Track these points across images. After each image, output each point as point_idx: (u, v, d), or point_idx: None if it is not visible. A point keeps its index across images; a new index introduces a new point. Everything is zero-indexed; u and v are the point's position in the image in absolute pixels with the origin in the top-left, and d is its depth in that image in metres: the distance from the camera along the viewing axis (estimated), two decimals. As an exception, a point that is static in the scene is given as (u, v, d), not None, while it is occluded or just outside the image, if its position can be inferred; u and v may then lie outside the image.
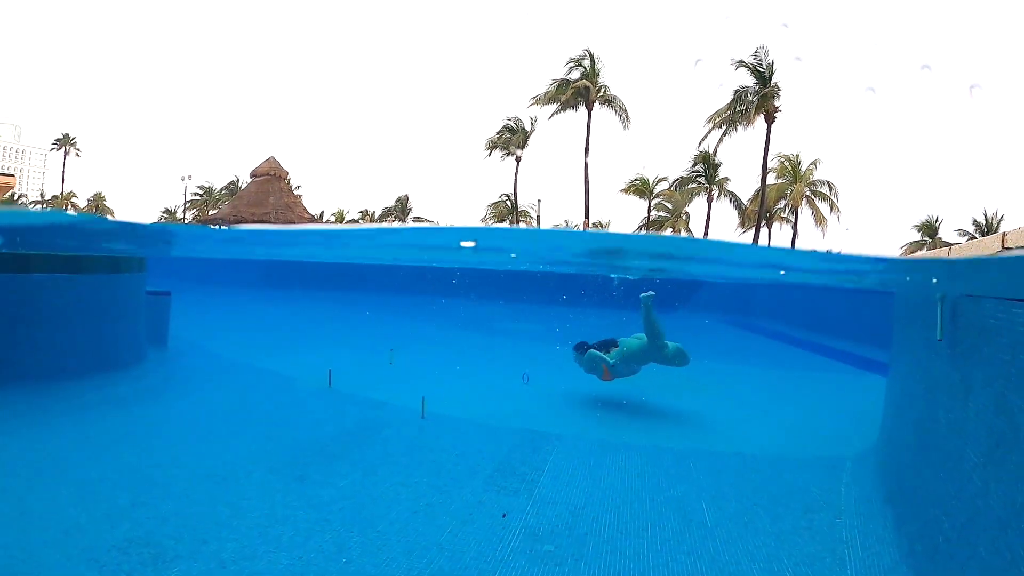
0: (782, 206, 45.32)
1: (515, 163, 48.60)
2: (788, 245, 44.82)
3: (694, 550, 4.70)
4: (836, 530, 5.09)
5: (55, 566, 4.08)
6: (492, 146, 48.72)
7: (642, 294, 9.19)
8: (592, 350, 9.42)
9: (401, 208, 58.26)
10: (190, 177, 60.31)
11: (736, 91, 40.11)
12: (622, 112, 44.43)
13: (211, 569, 4.13)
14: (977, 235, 44.40)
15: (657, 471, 6.51)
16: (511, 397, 9.77)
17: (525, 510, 5.32)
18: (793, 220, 45.04)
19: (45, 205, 61.38)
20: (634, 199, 49.27)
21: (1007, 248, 4.83)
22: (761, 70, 39.17)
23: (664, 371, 9.62)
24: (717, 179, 46.30)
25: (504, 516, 5.27)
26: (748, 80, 39.73)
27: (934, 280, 5.56)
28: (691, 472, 6.53)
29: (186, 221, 62.45)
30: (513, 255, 9.78)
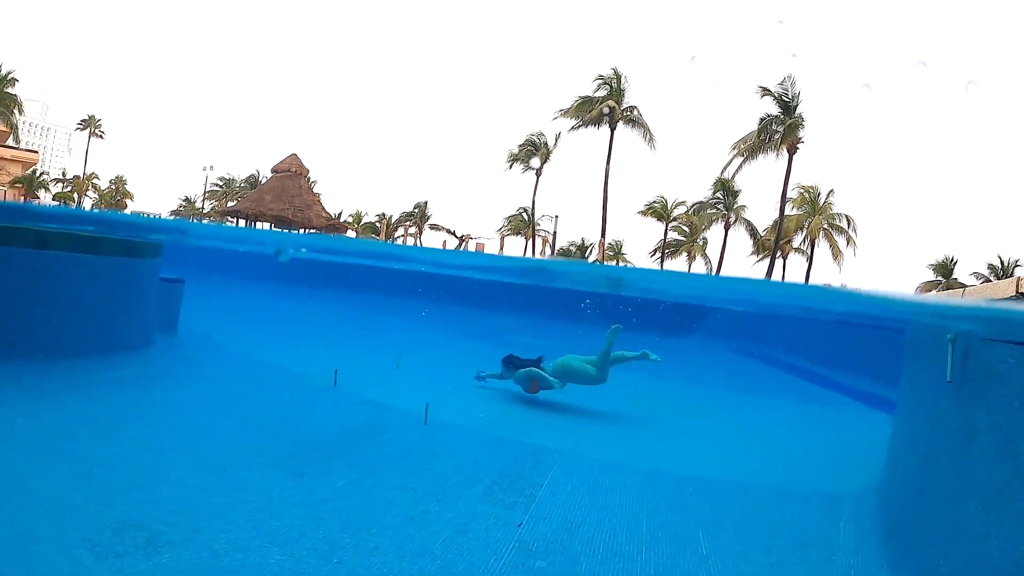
0: (800, 238, 45.18)
1: (535, 177, 48.67)
2: (803, 277, 44.71)
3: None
4: (831, 566, 5.04)
5: (48, 542, 4.09)
6: (513, 159, 48.79)
7: (612, 326, 9.78)
8: (533, 369, 9.94)
9: (420, 214, 58.34)
10: (212, 167, 60.65)
11: (762, 119, 40.10)
12: (647, 132, 44.50)
13: (203, 558, 4.13)
14: (992, 278, 44.09)
15: (654, 494, 6.48)
16: (515, 409, 9.76)
17: (520, 524, 5.30)
18: (809, 252, 44.88)
19: (66, 184, 61.73)
20: (652, 221, 49.25)
21: (1021, 293, 4.81)
22: (787, 100, 39.18)
23: (673, 394, 9.63)
24: (735, 206, 46.23)
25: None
26: (773, 108, 39.78)
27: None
28: (688, 498, 6.49)
29: (204, 210, 62.84)
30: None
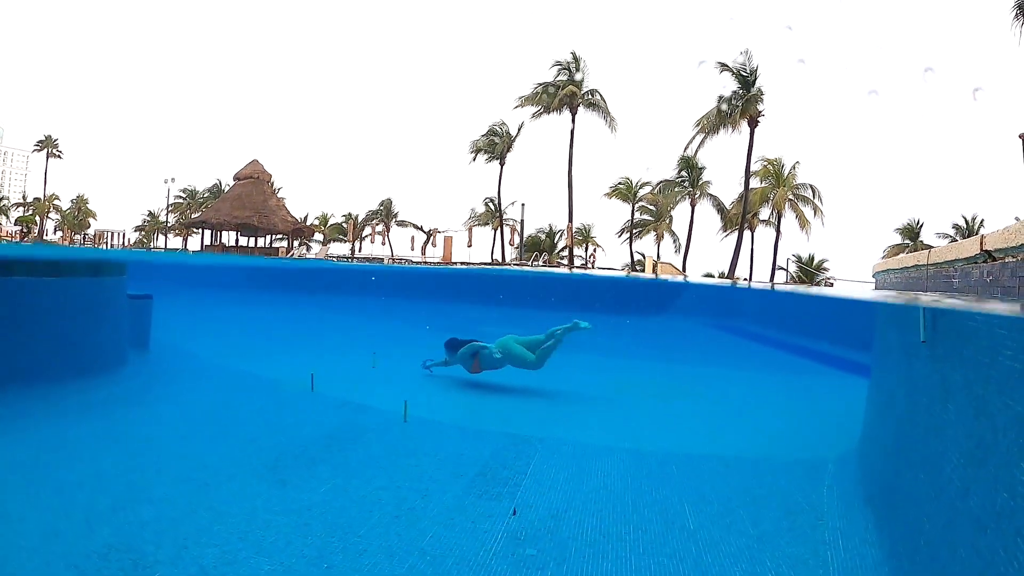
0: (767, 210, 45.52)
1: (499, 167, 48.53)
2: (771, 249, 45.08)
3: (676, 553, 4.69)
4: (818, 532, 5.10)
5: (33, 572, 4.02)
6: (476, 150, 48.60)
7: (574, 321, 10.25)
8: (475, 343, 10.53)
9: (386, 212, 57.96)
10: (173, 180, 59.74)
11: (720, 96, 40.32)
12: (608, 116, 44.51)
13: (192, 575, 4.08)
14: (958, 238, 44.78)
15: (639, 474, 6.51)
16: (494, 400, 9.76)
17: (507, 514, 5.30)
18: (776, 224, 45.22)
19: (27, 208, 60.65)
20: (618, 202, 49.34)
21: (985, 251, 4.86)
22: (745, 75, 39.36)
23: (654, 374, 9.67)
24: (700, 182, 46.45)
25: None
26: (732, 84, 39.97)
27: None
28: (673, 475, 6.53)
29: (168, 224, 61.99)
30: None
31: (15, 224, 56.28)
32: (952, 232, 46.56)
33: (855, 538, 4.95)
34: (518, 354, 10.19)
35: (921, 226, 47.96)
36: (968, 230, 45.47)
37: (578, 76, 44.42)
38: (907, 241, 47.77)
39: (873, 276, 11.45)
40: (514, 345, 10.30)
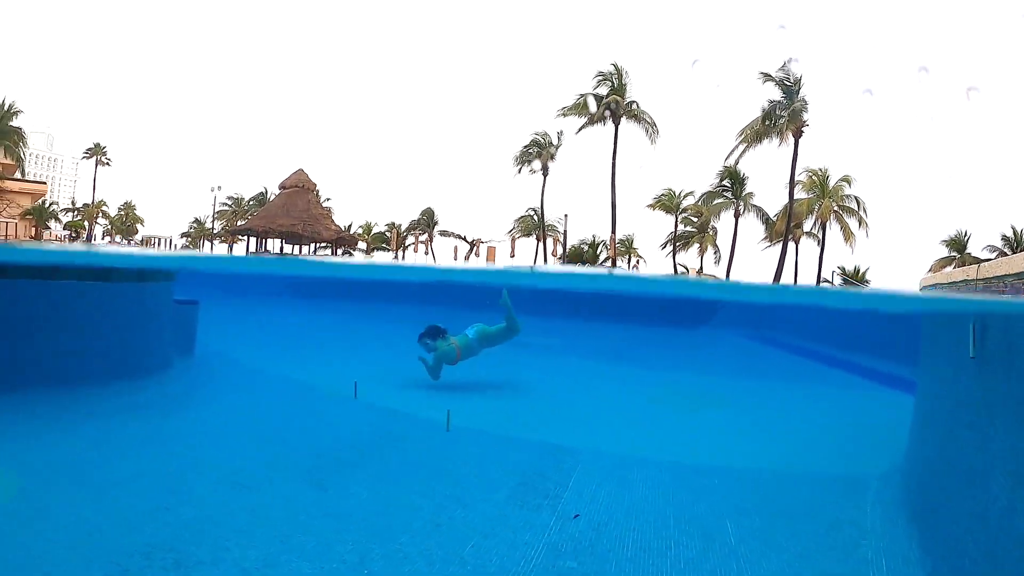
0: (811, 221, 44.93)
1: (542, 177, 48.66)
2: (816, 261, 44.48)
3: (717, 569, 4.66)
4: (860, 550, 5.03)
5: (76, 570, 4.13)
6: (520, 161, 48.84)
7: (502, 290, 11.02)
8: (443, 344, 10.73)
9: (427, 221, 58.42)
10: (220, 188, 61.17)
11: (765, 106, 39.96)
12: (650, 127, 44.44)
13: (233, 576, 4.17)
14: (1007, 251, 43.68)
15: (679, 488, 6.48)
16: (534, 410, 9.77)
17: (548, 526, 5.31)
18: (821, 236, 44.61)
19: (76, 213, 62.20)
20: (660, 214, 49.11)
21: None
22: (788, 84, 39.03)
23: (691, 387, 9.62)
24: (743, 194, 46.03)
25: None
26: (776, 94, 39.63)
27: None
28: (713, 489, 6.48)
29: (214, 231, 63.17)
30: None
31: (64, 229, 57.77)
32: (1000, 244, 45.42)
33: (897, 557, 4.88)
34: (494, 333, 10.88)
35: (968, 238, 46.87)
36: (1017, 242, 44.32)
37: (620, 87, 44.34)
38: (954, 254, 46.70)
39: (920, 291, 11.28)
40: (487, 328, 10.92)
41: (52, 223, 53.50)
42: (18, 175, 47.34)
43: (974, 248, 46.57)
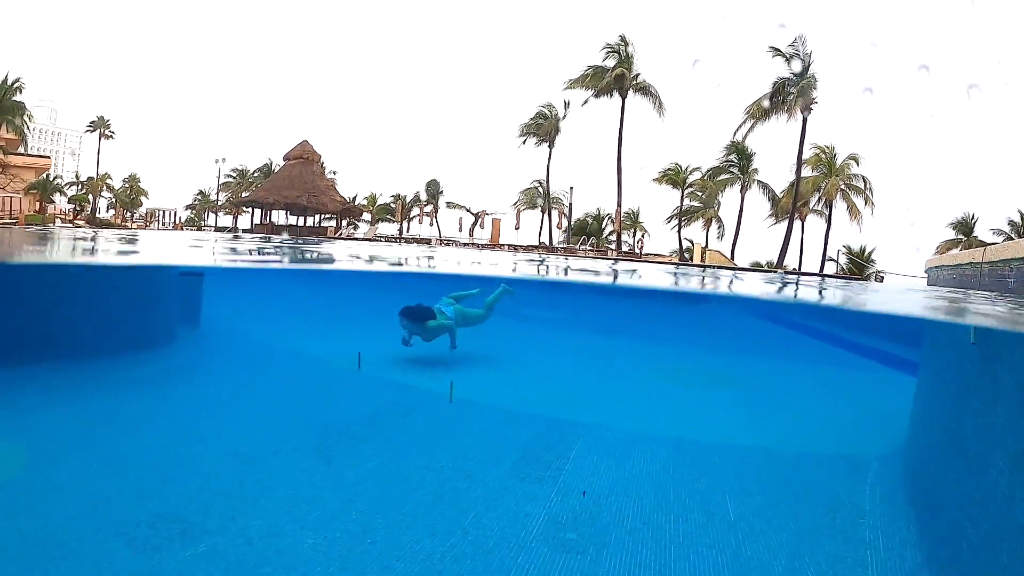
0: (816, 200, 44.65)
1: (548, 149, 48.36)
2: (822, 239, 44.27)
3: (716, 544, 4.72)
4: (859, 530, 5.08)
5: (85, 539, 4.19)
6: (525, 133, 48.50)
7: (502, 286, 11.46)
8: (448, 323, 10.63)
9: (433, 194, 58.21)
10: (224, 159, 60.93)
11: (775, 82, 39.55)
12: (657, 100, 44.03)
13: (238, 546, 4.23)
14: (1013, 235, 43.43)
15: (681, 464, 6.52)
16: (538, 384, 9.81)
17: (549, 498, 5.36)
18: (827, 214, 44.33)
19: (80, 187, 61.98)
20: (667, 188, 48.79)
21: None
22: (800, 59, 38.61)
23: (697, 363, 9.63)
24: (749, 169, 45.72)
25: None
26: (785, 71, 39.24)
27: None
28: (715, 466, 6.53)
29: (219, 203, 63.02)
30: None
31: (68, 203, 57.61)
32: (1007, 228, 45.12)
33: (895, 539, 4.92)
34: (474, 316, 11.15)
35: (975, 221, 46.53)
36: (1024, 226, 43.99)
37: (628, 59, 43.93)
38: (961, 236, 46.43)
39: (925, 272, 11.26)
40: (467, 310, 11.08)
41: (56, 196, 53.36)
42: (21, 149, 47.20)
43: (980, 231, 46.27)
